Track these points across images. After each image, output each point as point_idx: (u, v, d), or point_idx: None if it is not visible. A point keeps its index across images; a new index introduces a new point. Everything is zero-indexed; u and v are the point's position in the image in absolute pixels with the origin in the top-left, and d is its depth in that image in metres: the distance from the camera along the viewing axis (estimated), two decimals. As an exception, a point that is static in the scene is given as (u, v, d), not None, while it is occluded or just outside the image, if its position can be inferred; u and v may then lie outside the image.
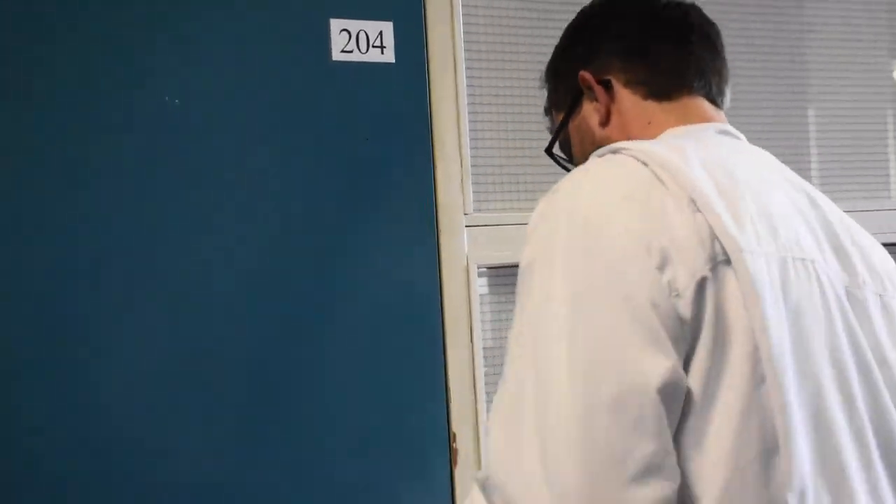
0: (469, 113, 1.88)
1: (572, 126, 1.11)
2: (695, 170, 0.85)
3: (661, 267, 0.78)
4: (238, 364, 1.66)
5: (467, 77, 1.88)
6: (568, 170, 1.10)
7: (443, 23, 1.83)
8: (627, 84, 1.06)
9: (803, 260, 0.86)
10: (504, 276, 1.93)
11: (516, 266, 1.87)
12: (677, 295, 0.78)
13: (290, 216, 1.70)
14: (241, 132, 1.68)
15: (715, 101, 1.07)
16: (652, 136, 1.01)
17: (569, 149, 1.15)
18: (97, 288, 1.58)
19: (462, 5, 1.87)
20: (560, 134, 1.14)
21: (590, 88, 1.08)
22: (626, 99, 1.05)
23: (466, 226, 1.85)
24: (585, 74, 1.08)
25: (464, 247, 1.84)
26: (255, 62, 1.69)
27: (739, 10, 2.15)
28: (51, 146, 1.58)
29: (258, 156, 1.69)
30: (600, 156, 0.90)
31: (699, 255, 0.79)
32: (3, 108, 1.55)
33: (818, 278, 0.86)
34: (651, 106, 1.04)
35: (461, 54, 1.85)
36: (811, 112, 2.22)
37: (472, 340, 1.81)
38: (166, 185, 1.63)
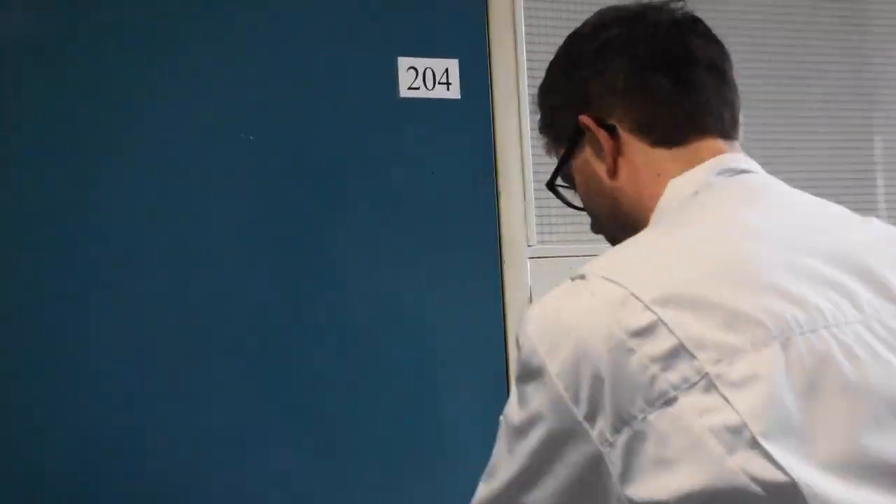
0: (532, 147, 1.91)
1: (574, 166, 1.03)
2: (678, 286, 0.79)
3: None
4: (301, 391, 1.69)
5: (531, 111, 1.92)
6: (572, 206, 1.09)
7: (507, 59, 1.87)
8: (632, 130, 0.97)
9: (813, 332, 0.77)
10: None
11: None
12: None
13: (356, 250, 1.74)
14: (312, 166, 1.73)
15: (729, 135, 0.99)
16: (660, 191, 0.95)
17: (572, 181, 1.06)
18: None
19: (525, 41, 1.91)
20: (561, 171, 1.05)
21: (591, 133, 0.99)
22: (634, 147, 0.97)
23: (530, 257, 1.88)
24: (587, 120, 0.98)
25: (527, 278, 1.86)
26: (324, 98, 1.74)
27: (803, 36, 2.16)
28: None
29: (328, 190, 1.74)
30: (572, 278, 0.85)
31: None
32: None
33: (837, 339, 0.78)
34: (660, 155, 0.96)
35: (525, 89, 1.89)
36: (877, 140, 2.21)
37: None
38: (237, 220, 1.68)
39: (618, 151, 0.97)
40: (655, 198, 0.95)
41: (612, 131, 0.97)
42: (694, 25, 0.99)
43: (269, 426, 1.67)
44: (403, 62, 1.80)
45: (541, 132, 1.08)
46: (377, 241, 1.76)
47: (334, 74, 1.76)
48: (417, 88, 1.80)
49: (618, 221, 1.00)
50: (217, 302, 1.65)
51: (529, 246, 1.88)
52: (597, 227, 1.06)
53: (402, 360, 1.76)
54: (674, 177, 0.95)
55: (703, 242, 0.84)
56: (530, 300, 1.86)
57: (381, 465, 1.73)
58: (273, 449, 1.67)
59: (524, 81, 1.89)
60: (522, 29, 1.91)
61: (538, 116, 1.07)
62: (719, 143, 0.97)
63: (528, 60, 1.91)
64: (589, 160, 1.00)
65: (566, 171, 1.04)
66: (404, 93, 1.80)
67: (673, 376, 0.75)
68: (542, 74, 1.07)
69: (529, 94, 1.91)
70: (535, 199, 1.91)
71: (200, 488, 1.63)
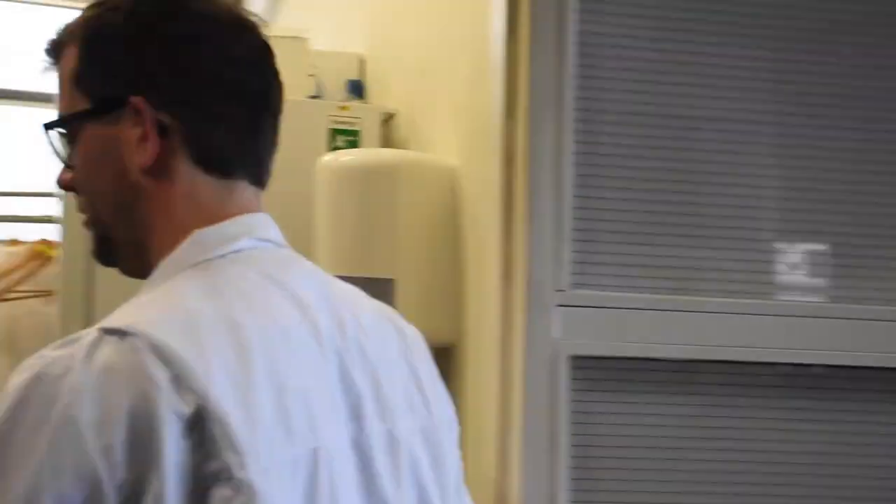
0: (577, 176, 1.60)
1: (93, 131, 0.92)
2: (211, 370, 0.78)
3: None
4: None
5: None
6: (58, 157, 0.96)
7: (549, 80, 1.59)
8: (187, 143, 0.91)
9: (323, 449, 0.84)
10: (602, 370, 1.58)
11: (617, 358, 1.53)
12: None
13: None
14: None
15: (262, 183, 0.96)
16: (189, 218, 0.91)
17: (69, 141, 0.95)
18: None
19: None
20: (74, 124, 0.94)
21: (140, 118, 0.90)
22: (183, 162, 0.91)
23: (560, 305, 1.54)
24: (142, 105, 0.89)
25: (551, 331, 1.53)
26: None
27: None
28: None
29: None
30: (106, 331, 0.79)
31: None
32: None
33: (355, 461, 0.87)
34: (204, 182, 0.92)
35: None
36: None
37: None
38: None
39: (166, 154, 0.90)
40: (180, 230, 0.91)
41: (164, 131, 0.90)
42: (272, 58, 0.96)
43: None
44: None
45: (54, 57, 0.96)
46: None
47: None
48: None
49: (122, 220, 0.93)
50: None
51: (559, 291, 1.55)
52: (88, 208, 0.95)
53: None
54: (200, 225, 0.91)
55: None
56: (554, 356, 1.52)
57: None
58: None
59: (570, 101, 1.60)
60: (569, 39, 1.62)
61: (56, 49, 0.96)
62: (251, 191, 0.94)
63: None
64: (120, 141, 0.91)
65: (72, 126, 0.94)
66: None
67: None
68: None
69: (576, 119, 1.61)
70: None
71: None
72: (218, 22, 0.93)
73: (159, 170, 0.90)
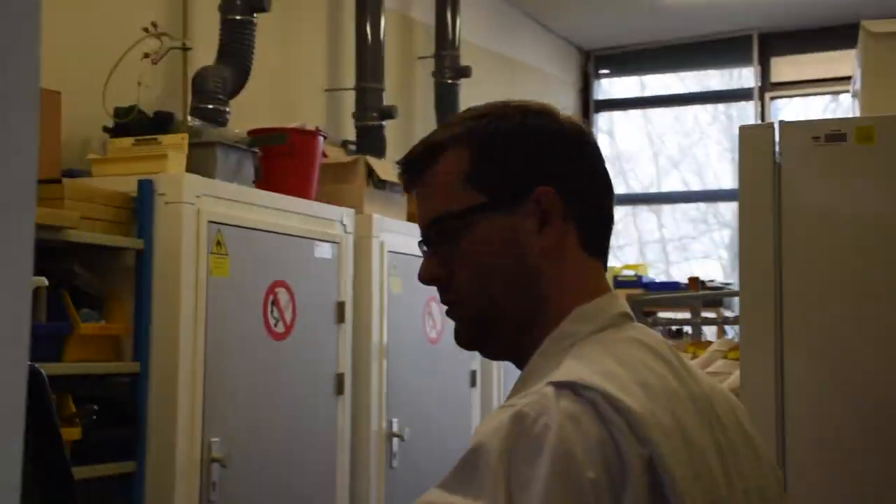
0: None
1: (489, 222, 1.02)
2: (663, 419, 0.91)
3: None
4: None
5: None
6: (438, 256, 1.05)
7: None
8: (579, 229, 1.04)
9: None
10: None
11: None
12: None
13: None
14: None
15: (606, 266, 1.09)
16: (571, 295, 1.01)
17: (457, 233, 1.03)
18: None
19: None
20: (469, 217, 1.02)
21: (540, 207, 1.01)
22: (574, 245, 1.03)
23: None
24: (551, 194, 1.01)
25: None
26: None
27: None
28: None
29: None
30: (559, 388, 0.89)
31: None
32: None
33: None
34: (587, 264, 1.05)
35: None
36: None
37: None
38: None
39: (561, 237, 1.01)
40: (566, 305, 1.01)
41: (564, 217, 1.01)
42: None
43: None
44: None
45: (421, 165, 1.06)
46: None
47: None
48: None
49: (516, 300, 1.01)
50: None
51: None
52: (472, 295, 1.03)
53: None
54: (581, 301, 1.01)
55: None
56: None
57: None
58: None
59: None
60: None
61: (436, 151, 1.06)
62: (603, 269, 1.07)
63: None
64: (518, 229, 1.01)
65: (456, 226, 1.02)
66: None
67: None
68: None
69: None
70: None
71: None
72: (581, 127, 1.06)
73: (556, 252, 1.01)
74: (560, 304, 1.00)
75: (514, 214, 1.01)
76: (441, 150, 1.03)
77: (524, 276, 1.00)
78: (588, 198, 1.04)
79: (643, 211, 6.52)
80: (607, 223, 1.07)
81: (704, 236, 6.50)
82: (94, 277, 2.50)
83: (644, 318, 2.99)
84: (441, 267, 1.03)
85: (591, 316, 1.00)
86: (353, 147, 3.86)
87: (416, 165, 1.05)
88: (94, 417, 2.34)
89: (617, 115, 6.56)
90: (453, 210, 1.01)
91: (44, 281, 2.31)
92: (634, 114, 6.56)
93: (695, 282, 3.10)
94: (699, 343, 2.77)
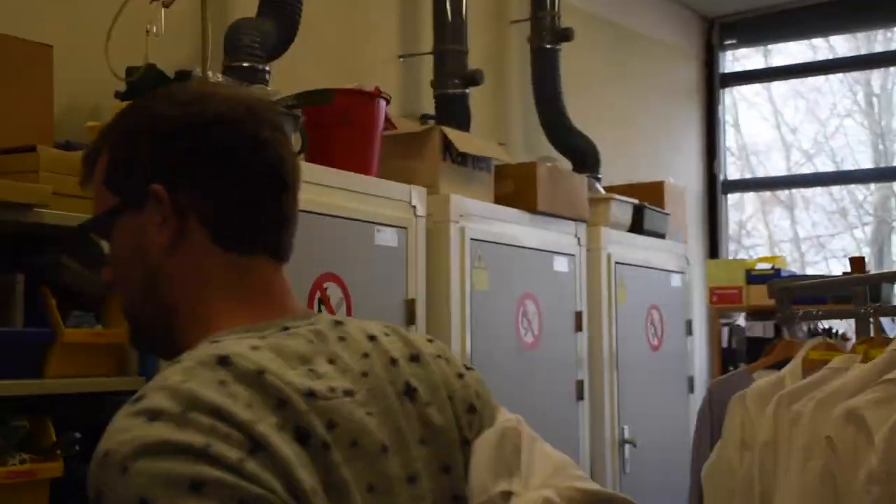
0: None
1: (122, 224, 1.02)
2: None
3: None
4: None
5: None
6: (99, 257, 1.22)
7: None
8: (205, 223, 1.00)
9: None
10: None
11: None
12: None
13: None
14: None
15: (281, 258, 1.04)
16: (204, 299, 0.99)
17: (102, 238, 1.11)
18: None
19: None
20: (103, 221, 1.04)
21: (161, 205, 0.99)
22: (201, 241, 1.00)
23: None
24: (160, 191, 0.99)
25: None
26: None
27: None
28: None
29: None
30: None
31: None
32: None
33: None
34: (222, 260, 1.00)
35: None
36: None
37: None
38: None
39: (181, 236, 0.99)
40: (199, 308, 1.00)
41: (182, 213, 0.99)
42: (284, 137, 1.04)
43: None
44: None
45: (88, 177, 1.06)
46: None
47: None
48: None
49: (151, 296, 1.01)
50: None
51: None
52: (124, 299, 1.05)
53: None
54: (218, 303, 0.99)
55: None
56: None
57: None
58: None
59: None
60: None
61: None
62: (273, 267, 1.03)
63: None
64: (145, 230, 1.00)
65: (101, 230, 1.06)
66: None
67: None
68: None
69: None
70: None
71: None
72: (229, 119, 1.00)
73: (178, 249, 0.98)
74: (193, 305, 0.99)
75: (140, 215, 1.00)
76: (96, 156, 1.04)
77: (150, 277, 1.00)
78: (219, 188, 0.99)
79: (776, 208, 5.82)
80: (257, 214, 1.01)
81: (845, 233, 5.76)
82: (88, 272, 2.00)
83: (793, 316, 2.31)
84: (106, 272, 1.05)
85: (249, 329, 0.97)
86: (431, 121, 3.30)
87: (86, 166, 1.06)
88: (78, 448, 1.83)
89: (742, 100, 5.82)
90: (95, 216, 1.04)
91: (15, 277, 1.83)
92: (762, 97, 5.81)
93: (858, 263, 2.38)
94: (871, 341, 2.07)
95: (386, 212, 2.51)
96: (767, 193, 5.92)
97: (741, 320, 4.80)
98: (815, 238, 5.83)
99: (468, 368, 1.08)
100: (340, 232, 2.37)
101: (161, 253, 0.98)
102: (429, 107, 3.37)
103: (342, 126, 2.52)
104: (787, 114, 5.85)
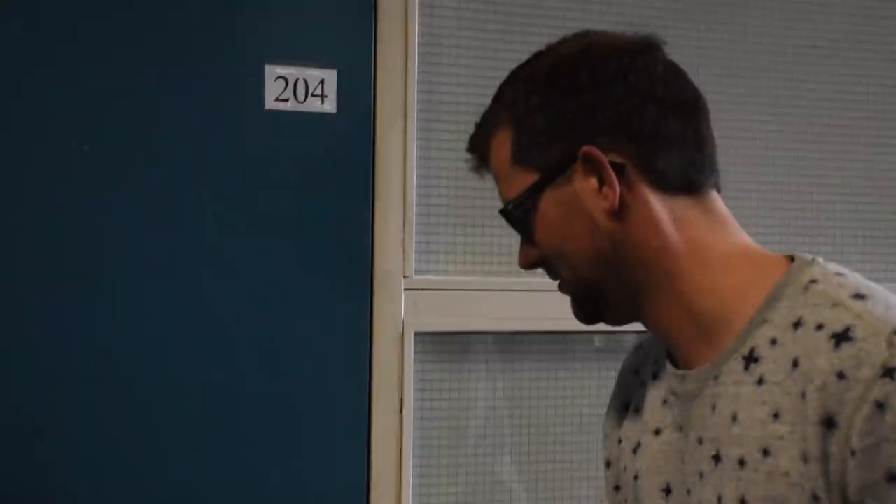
0: (418, 168, 1.75)
1: (549, 197, 0.93)
2: None
3: None
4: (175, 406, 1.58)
5: (419, 130, 1.75)
6: (530, 238, 0.95)
7: (395, 72, 1.71)
8: (645, 172, 0.90)
9: None
10: (444, 343, 1.78)
11: (457, 333, 1.71)
12: None
13: (217, 269, 1.62)
14: (169, 179, 1.61)
15: (720, 187, 0.96)
16: (685, 242, 0.91)
17: (526, 218, 0.95)
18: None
19: (419, 53, 1.75)
20: (528, 199, 0.93)
21: (593, 166, 0.90)
22: (647, 194, 0.91)
23: (406, 289, 1.71)
24: (594, 151, 0.89)
25: (401, 312, 1.70)
26: (186, 106, 1.62)
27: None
28: None
29: (185, 202, 1.61)
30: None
31: None
32: None
33: None
34: (676, 207, 0.91)
35: (414, 104, 1.73)
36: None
37: (401, 409, 1.68)
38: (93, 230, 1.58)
39: (627, 192, 0.90)
40: (673, 258, 0.91)
41: (620, 170, 0.90)
42: (682, 71, 0.95)
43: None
44: (272, 71, 1.66)
45: (481, 152, 0.98)
46: (236, 260, 1.62)
47: (196, 81, 1.63)
48: (287, 100, 1.66)
49: (608, 265, 0.92)
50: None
51: (405, 277, 1.72)
52: (569, 273, 0.95)
53: (253, 391, 1.63)
54: (690, 245, 0.91)
55: None
56: (402, 334, 1.70)
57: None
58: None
59: (413, 97, 1.73)
60: (416, 39, 1.75)
61: (483, 130, 0.97)
62: (721, 200, 0.94)
63: (419, 73, 1.75)
64: (580, 197, 0.91)
65: (530, 202, 0.93)
66: (270, 104, 1.66)
67: None
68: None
69: (419, 111, 1.75)
70: (417, 225, 1.74)
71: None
72: (628, 51, 0.92)
73: (627, 210, 0.90)
74: (665, 258, 0.91)
75: (571, 183, 0.91)
76: (490, 136, 0.97)
77: (604, 245, 0.91)
78: (647, 134, 0.90)
79: None
80: (692, 149, 0.92)
81: None
82: None
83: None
84: (531, 252, 0.96)
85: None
86: None
87: (477, 152, 0.99)
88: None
89: None
90: (514, 197, 0.94)
91: None
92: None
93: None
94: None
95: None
96: None
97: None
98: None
99: None
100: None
101: (608, 218, 0.90)
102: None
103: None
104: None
